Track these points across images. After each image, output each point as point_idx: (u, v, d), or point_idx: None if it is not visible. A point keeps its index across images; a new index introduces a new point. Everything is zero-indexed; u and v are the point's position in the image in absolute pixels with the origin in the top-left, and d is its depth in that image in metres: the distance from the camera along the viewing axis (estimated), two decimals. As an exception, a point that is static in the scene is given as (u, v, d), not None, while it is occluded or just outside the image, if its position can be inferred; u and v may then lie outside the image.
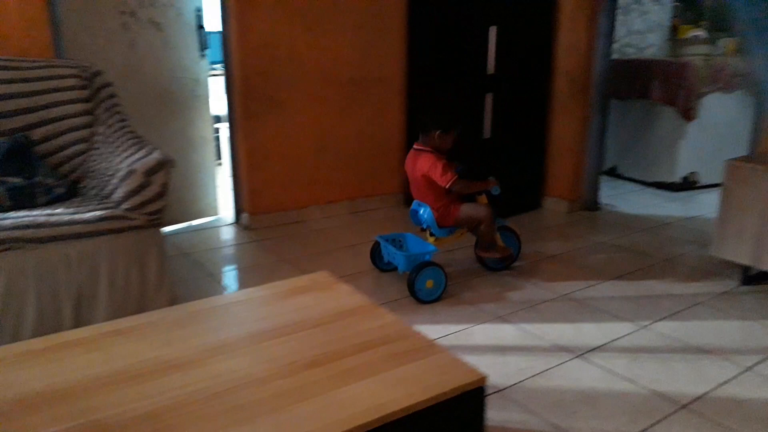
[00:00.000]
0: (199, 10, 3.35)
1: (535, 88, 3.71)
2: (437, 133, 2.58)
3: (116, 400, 1.06)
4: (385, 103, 3.83)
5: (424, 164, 2.60)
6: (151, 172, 2.15)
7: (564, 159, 3.78)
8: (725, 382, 1.89)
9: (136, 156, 2.25)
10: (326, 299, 1.48)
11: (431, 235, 2.69)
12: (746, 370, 1.95)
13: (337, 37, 3.54)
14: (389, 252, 2.70)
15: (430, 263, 2.50)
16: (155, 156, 2.19)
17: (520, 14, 3.50)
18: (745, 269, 2.61)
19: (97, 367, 1.18)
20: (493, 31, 3.31)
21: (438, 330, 2.25)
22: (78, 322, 2.03)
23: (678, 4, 5.06)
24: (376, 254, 2.85)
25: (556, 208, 3.85)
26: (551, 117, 3.79)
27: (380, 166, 3.92)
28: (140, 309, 2.15)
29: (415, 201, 2.72)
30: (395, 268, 2.74)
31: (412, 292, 2.48)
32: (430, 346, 1.25)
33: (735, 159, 2.56)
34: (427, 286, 2.49)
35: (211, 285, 2.76)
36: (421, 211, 2.66)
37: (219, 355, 1.23)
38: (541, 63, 3.69)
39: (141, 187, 2.13)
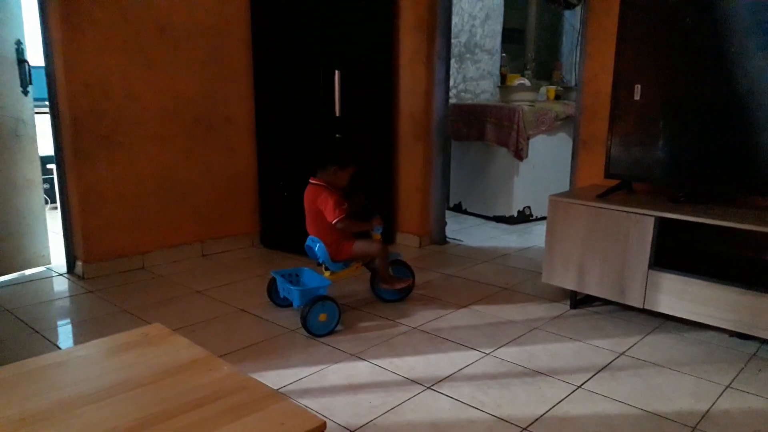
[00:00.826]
0: (19, 42, 3.07)
1: (381, 130, 3.85)
2: (333, 168, 2.65)
3: None
4: (233, 142, 3.75)
5: (318, 199, 2.64)
6: (-47, 221, 1.89)
7: (412, 197, 3.94)
8: (560, 401, 2.02)
9: (-64, 204, 1.97)
10: (158, 354, 1.37)
11: (326, 269, 2.69)
12: (577, 388, 2.11)
13: (179, 76, 3.42)
14: (284, 287, 2.68)
15: (322, 297, 2.52)
16: (-41, 203, 1.93)
17: (362, 60, 3.63)
18: (573, 294, 2.86)
19: None
20: (337, 75, 3.39)
21: (291, 374, 2.19)
22: None
23: (504, 55, 5.58)
24: (272, 290, 2.82)
25: (407, 243, 3.98)
26: (398, 157, 3.95)
27: (231, 207, 3.81)
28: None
29: (309, 236, 2.72)
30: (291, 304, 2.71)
31: (305, 326, 2.48)
32: (269, 396, 1.20)
33: (556, 194, 2.82)
34: (320, 320, 2.50)
35: (39, 344, 2.46)
36: (316, 247, 2.66)
37: (25, 428, 1.08)
38: (384, 106, 3.84)
39: (-59, 239, 1.86)
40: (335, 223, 2.60)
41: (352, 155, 2.72)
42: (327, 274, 2.71)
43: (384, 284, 2.84)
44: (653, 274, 2.51)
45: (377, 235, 2.78)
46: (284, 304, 2.80)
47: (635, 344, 2.48)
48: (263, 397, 1.20)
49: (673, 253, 2.55)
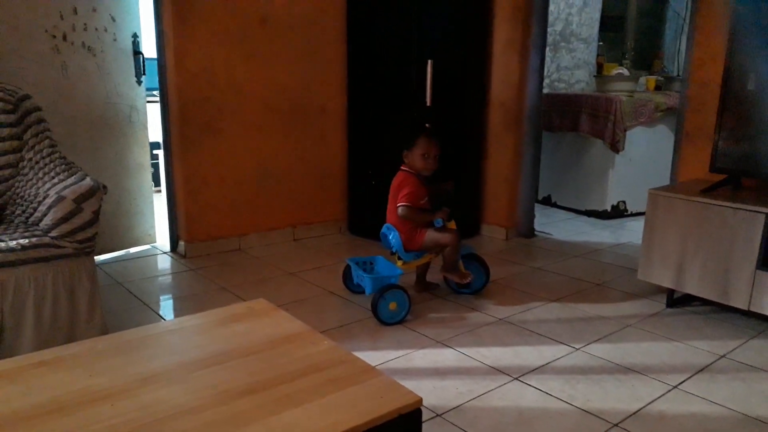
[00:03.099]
0: (135, 36, 3.31)
1: (471, 119, 3.83)
2: (404, 153, 2.70)
3: (36, 435, 1.01)
4: (326, 132, 3.86)
5: (397, 183, 2.70)
6: (81, 198, 2.08)
7: (500, 188, 3.90)
8: (654, 400, 1.96)
9: (66, 182, 2.17)
10: (263, 326, 1.46)
11: (399, 258, 2.73)
12: (673, 388, 2.04)
13: (278, 66, 3.56)
14: (358, 274, 2.74)
15: (393, 286, 2.54)
16: (86, 182, 2.12)
17: (455, 49, 3.62)
18: (670, 292, 2.75)
19: (15, 401, 1.11)
20: (429, 65, 3.41)
21: (379, 356, 2.25)
22: (-2, 356, 1.91)
23: (602, 43, 5.38)
24: (347, 276, 2.89)
25: (494, 235, 3.95)
26: (487, 147, 3.92)
27: (322, 194, 3.93)
28: (70, 340, 2.06)
29: (385, 224, 2.76)
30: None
31: (376, 313, 2.52)
32: (367, 371, 1.25)
33: (657, 188, 2.71)
34: (390, 308, 2.53)
35: (146, 315, 2.66)
36: (390, 236, 2.70)
37: (149, 385, 1.19)
38: (476, 96, 3.82)
39: (71, 214, 2.06)
40: (398, 206, 2.63)
41: (412, 131, 2.72)
42: (400, 263, 2.73)
43: (446, 273, 2.80)
44: (761, 275, 2.36)
45: (452, 223, 2.77)
46: (358, 290, 2.85)
47: (738, 347, 2.35)
48: (362, 371, 1.25)
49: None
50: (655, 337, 2.45)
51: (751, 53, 2.49)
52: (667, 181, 3.10)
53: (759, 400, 1.97)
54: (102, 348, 1.36)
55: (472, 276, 2.82)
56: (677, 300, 2.77)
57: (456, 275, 2.78)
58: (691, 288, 2.59)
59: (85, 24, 3.08)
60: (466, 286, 2.86)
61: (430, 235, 2.70)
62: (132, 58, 3.33)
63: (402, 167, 2.75)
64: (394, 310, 2.54)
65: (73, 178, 2.20)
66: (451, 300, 2.83)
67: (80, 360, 1.29)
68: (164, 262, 3.41)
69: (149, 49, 3.41)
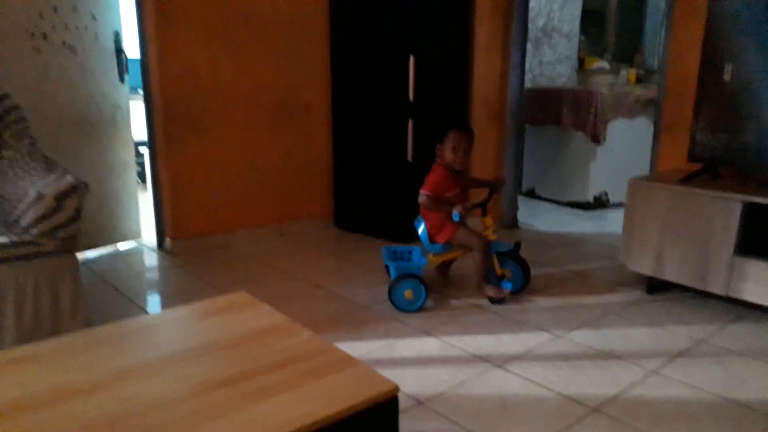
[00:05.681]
0: (117, 34, 3.29)
1: (454, 114, 3.85)
2: (437, 146, 2.74)
3: None
4: (311, 128, 3.87)
5: (428, 174, 2.73)
6: (62, 196, 2.08)
7: (485, 181, 3.92)
8: (633, 385, 2.00)
9: (46, 180, 2.17)
10: (243, 319, 1.47)
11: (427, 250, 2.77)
12: (652, 373, 2.08)
13: (262, 64, 3.56)
14: (387, 261, 2.78)
15: (410, 275, 2.58)
16: (67, 180, 2.12)
17: (437, 46, 3.63)
18: (650, 280, 2.79)
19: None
20: (411, 61, 3.42)
21: (363, 346, 2.27)
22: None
23: (583, 38, 5.41)
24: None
25: (477, 227, 3.97)
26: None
27: (309, 189, 3.94)
28: (52, 338, 2.06)
29: (419, 215, 2.79)
30: None
31: (391, 298, 2.58)
32: (345, 360, 1.27)
33: (636, 178, 2.75)
34: (405, 296, 2.58)
35: (131, 310, 2.67)
36: (419, 228, 2.74)
37: (127, 379, 1.20)
38: (458, 91, 3.84)
39: (52, 212, 2.06)
40: (420, 193, 2.66)
41: (445, 126, 2.75)
42: (429, 255, 2.76)
43: (480, 287, 2.71)
44: (739, 261, 2.40)
45: (489, 220, 2.75)
46: None
47: (716, 332, 2.40)
48: (340, 360, 1.27)
49: (761, 239, 2.43)
50: (635, 324, 2.49)
51: (726, 45, 2.53)
52: (647, 172, 3.14)
53: (736, 383, 2.01)
54: (80, 343, 1.37)
55: (508, 292, 2.68)
56: (657, 287, 2.81)
57: (490, 289, 2.67)
58: (671, 275, 2.63)
59: (65, 23, 3.06)
60: (498, 301, 2.70)
61: (461, 234, 2.67)
62: (114, 56, 3.32)
63: (436, 159, 2.77)
64: (410, 299, 2.59)
65: (53, 175, 2.19)
66: (437, 291, 2.86)
67: (57, 355, 1.30)
68: (151, 259, 3.41)
69: (131, 47, 3.40)
